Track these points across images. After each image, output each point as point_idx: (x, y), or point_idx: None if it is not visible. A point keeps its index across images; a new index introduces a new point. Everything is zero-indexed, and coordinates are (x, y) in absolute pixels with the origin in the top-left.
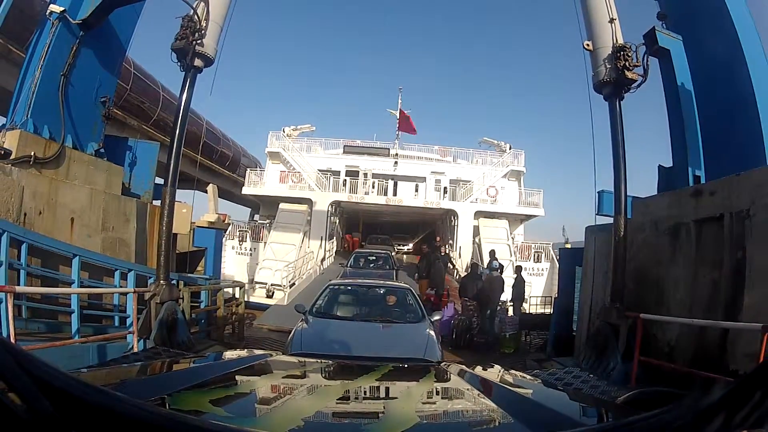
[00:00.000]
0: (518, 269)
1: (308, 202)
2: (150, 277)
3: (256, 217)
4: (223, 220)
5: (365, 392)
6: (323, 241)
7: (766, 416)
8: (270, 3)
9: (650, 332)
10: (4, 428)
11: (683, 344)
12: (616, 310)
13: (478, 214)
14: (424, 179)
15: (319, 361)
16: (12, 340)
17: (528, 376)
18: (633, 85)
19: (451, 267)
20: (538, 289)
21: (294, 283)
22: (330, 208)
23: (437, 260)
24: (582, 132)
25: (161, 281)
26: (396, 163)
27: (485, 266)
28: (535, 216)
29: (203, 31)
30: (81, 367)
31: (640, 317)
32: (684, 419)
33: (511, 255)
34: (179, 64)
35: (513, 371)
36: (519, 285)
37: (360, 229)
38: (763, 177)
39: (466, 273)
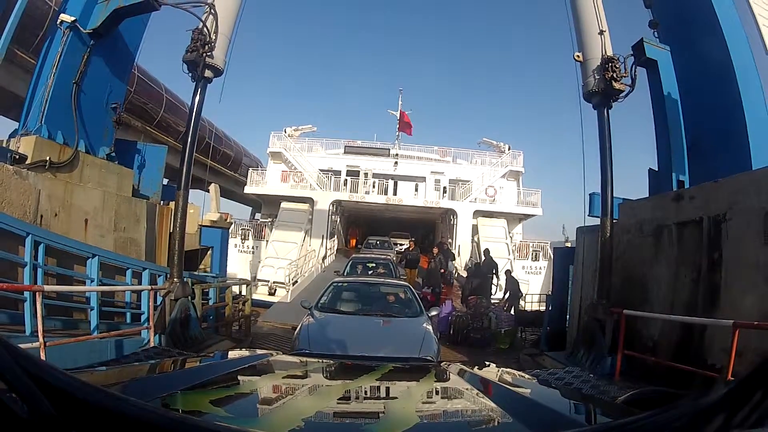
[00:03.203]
0: (507, 273)
1: (310, 201)
2: (160, 276)
3: (257, 215)
4: (225, 219)
5: (365, 392)
6: (324, 240)
7: (766, 416)
8: (269, 2)
9: (635, 327)
10: (4, 428)
11: (665, 339)
12: (603, 306)
13: (477, 214)
14: (423, 179)
15: (319, 361)
16: (39, 336)
17: (528, 376)
18: (621, 95)
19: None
20: (536, 287)
21: (297, 281)
22: (331, 208)
23: (432, 260)
24: (585, 132)
25: (175, 279)
26: (396, 163)
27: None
28: (533, 215)
29: (213, 44)
30: (83, 365)
31: (623, 313)
32: (684, 419)
33: (509, 254)
34: (190, 75)
35: (513, 371)
36: (512, 285)
37: (360, 228)
38: (739, 184)
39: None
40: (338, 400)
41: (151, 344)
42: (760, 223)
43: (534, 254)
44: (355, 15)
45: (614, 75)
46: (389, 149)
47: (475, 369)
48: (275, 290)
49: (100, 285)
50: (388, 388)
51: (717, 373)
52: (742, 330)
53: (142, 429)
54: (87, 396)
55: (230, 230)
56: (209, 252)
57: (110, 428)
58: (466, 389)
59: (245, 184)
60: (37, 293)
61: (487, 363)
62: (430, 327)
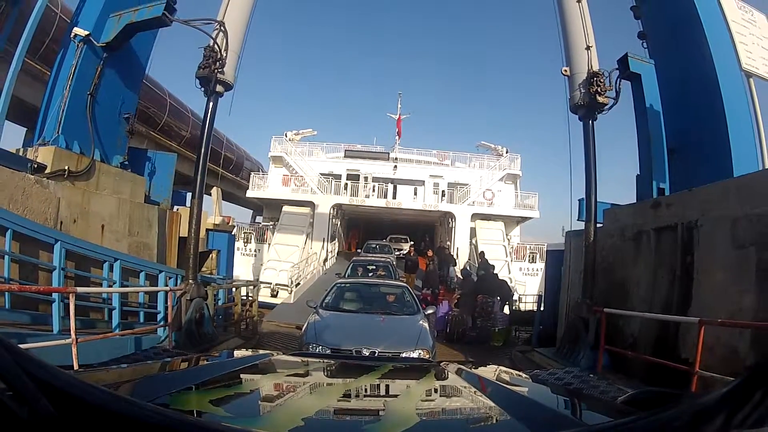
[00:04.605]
0: (495, 276)
1: (310, 204)
2: (171, 277)
3: (258, 218)
4: (228, 223)
5: (366, 391)
6: (325, 243)
7: (766, 416)
8: (269, 4)
9: (617, 325)
10: (4, 428)
11: (644, 335)
12: (586, 305)
13: (475, 216)
14: (422, 182)
15: (320, 360)
16: (72, 333)
17: (526, 375)
18: (605, 108)
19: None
20: (533, 288)
21: (299, 283)
22: (332, 211)
23: (431, 262)
24: (573, 140)
25: (190, 280)
26: (395, 166)
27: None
28: (530, 218)
29: (224, 60)
30: (91, 363)
31: (604, 311)
32: (684, 419)
33: (506, 256)
34: (203, 89)
35: (511, 370)
36: (503, 288)
37: (360, 231)
38: (711, 194)
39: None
40: (339, 398)
41: (170, 341)
42: (728, 230)
43: (531, 256)
44: (354, 17)
45: (599, 89)
46: (389, 153)
47: (474, 368)
48: (277, 292)
49: (121, 287)
50: (388, 387)
51: (689, 367)
52: (713, 327)
53: (143, 429)
54: (87, 396)
55: (233, 233)
56: (212, 255)
57: (110, 428)
58: (466, 388)
59: (247, 188)
60: (70, 295)
61: (486, 363)
62: (426, 324)
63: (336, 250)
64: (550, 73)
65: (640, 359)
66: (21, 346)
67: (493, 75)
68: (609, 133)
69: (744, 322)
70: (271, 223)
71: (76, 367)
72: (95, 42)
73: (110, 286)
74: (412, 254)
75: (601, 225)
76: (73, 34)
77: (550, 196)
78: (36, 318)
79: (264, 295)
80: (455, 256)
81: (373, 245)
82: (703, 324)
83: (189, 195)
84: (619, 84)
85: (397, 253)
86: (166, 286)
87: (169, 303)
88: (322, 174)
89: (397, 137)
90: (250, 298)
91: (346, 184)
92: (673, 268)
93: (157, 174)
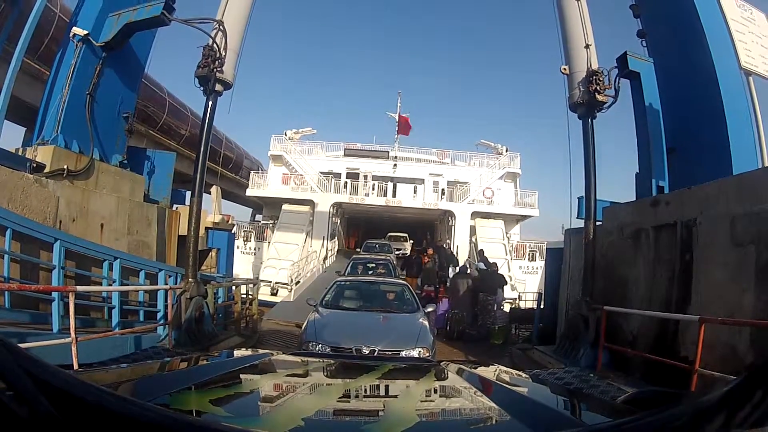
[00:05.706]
0: (495, 266)
1: (310, 203)
2: (171, 276)
3: (258, 217)
4: (227, 221)
5: (366, 391)
6: (325, 241)
7: (766, 416)
8: (269, 3)
9: (616, 323)
10: (4, 428)
11: (644, 333)
12: (586, 303)
13: (475, 215)
14: (422, 181)
15: (320, 360)
16: (72, 332)
17: (527, 375)
18: (604, 107)
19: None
20: (533, 287)
21: (299, 281)
22: (331, 209)
23: (432, 261)
24: (573, 137)
25: (190, 279)
26: (395, 165)
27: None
28: (530, 216)
29: (223, 59)
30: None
31: (604, 309)
32: (684, 419)
33: (506, 254)
34: (202, 89)
35: (511, 370)
36: (500, 281)
37: (360, 230)
38: (710, 191)
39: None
40: (338, 398)
41: (170, 340)
42: (727, 228)
43: (531, 254)
44: (354, 15)
45: (598, 87)
46: (388, 151)
47: (474, 368)
48: (277, 290)
49: (121, 285)
50: (387, 387)
51: (688, 365)
52: (712, 325)
53: (143, 429)
54: (87, 396)
55: (233, 231)
56: (212, 253)
57: (110, 428)
58: (466, 388)
59: (246, 187)
60: (70, 293)
61: (486, 361)
62: (426, 322)
63: (336, 249)
64: (550, 72)
65: (640, 357)
66: (21, 345)
67: (493, 73)
68: (609, 131)
69: (744, 320)
70: (271, 221)
71: (75, 366)
72: (94, 41)
73: (110, 285)
74: (413, 256)
75: (600, 223)
76: (72, 34)
77: (550, 194)
78: (36, 317)
79: (264, 294)
80: (456, 255)
81: (373, 244)
82: (704, 322)
83: (188, 193)
84: (619, 82)
85: (397, 252)
86: (166, 284)
87: (168, 301)
88: (321, 172)
89: (396, 135)
90: (249, 297)
91: (346, 182)
92: (672, 266)
93: (156, 173)
